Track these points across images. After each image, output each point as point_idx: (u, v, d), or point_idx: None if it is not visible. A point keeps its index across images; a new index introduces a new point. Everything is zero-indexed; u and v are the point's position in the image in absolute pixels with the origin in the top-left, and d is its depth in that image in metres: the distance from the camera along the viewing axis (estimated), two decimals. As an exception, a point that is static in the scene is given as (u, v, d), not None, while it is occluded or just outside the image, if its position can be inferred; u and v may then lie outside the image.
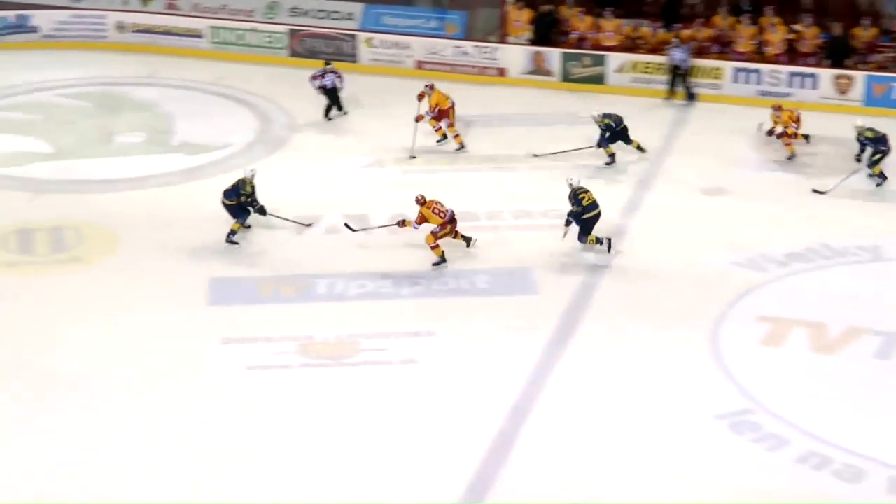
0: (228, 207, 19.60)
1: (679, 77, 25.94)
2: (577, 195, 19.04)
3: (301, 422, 15.11)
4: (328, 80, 24.79)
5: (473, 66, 27.65)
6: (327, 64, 25.21)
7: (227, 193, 19.61)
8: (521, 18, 27.75)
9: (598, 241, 19.11)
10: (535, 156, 22.56)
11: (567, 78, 27.13)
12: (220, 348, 16.66)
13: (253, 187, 19.64)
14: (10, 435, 14.73)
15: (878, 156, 21.51)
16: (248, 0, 29.89)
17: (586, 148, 22.58)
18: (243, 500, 13.75)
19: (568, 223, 19.07)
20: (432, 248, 18.91)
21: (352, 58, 28.23)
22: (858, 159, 22.05)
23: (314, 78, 24.89)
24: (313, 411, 15.34)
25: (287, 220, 19.95)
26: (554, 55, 27.20)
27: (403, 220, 19.17)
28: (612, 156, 22.57)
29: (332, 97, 24.95)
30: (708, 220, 20.52)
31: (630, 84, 26.63)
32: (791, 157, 22.75)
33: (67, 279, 18.47)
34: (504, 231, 20.16)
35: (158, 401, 15.46)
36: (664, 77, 26.18)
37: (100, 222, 19.84)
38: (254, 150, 23.54)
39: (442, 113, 23.07)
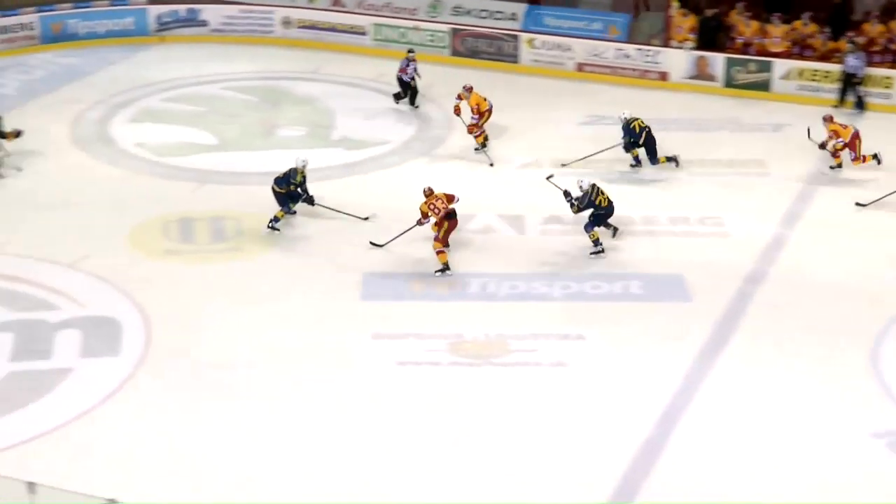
0: (277, 194, 19.90)
1: (852, 85, 25.34)
2: (591, 198, 19.09)
3: (448, 419, 15.17)
4: (411, 70, 25.21)
5: (635, 70, 27.41)
6: (410, 52, 25.55)
7: (278, 181, 19.95)
8: (683, 25, 27.41)
9: (597, 242, 19.15)
10: (563, 165, 22.18)
11: (731, 83, 26.70)
12: (371, 343, 16.83)
13: (304, 177, 19.99)
14: (167, 419, 15.11)
15: None
16: (413, -2, 30.18)
17: (609, 148, 22.28)
18: (388, 494, 13.87)
19: (568, 199, 19.16)
20: (437, 253, 18.73)
21: (513, 58, 28.25)
22: None
23: (402, 71, 25.29)
24: (461, 409, 15.39)
25: (339, 211, 20.13)
26: (718, 60, 26.81)
27: (420, 220, 19.05)
28: (636, 159, 22.31)
29: (408, 87, 25.36)
30: (871, 233, 19.98)
31: (796, 91, 26.09)
32: (834, 168, 22.15)
33: (225, 269, 18.87)
34: (659, 237, 19.95)
35: (309, 392, 15.70)
36: (833, 85, 25.59)
37: (259, 214, 20.20)
38: (411, 148, 23.72)
39: (481, 114, 23.02)
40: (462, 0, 29.91)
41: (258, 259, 19.17)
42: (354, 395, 15.63)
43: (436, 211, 18.76)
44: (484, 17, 29.60)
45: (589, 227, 19.33)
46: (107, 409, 15.33)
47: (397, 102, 25.49)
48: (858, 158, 21.83)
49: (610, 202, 19.30)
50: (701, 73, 26.97)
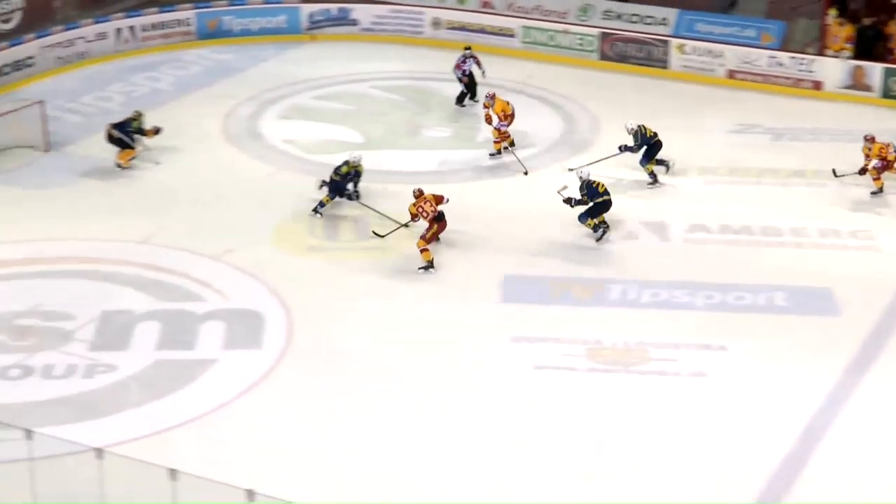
0: (332, 181, 20.48)
1: None
2: (591, 185, 19.41)
3: (583, 425, 15.10)
4: (467, 67, 25.31)
5: (788, 78, 26.90)
6: (467, 49, 25.66)
7: (335, 169, 20.59)
8: (840, 33, 26.82)
9: (596, 227, 19.42)
10: (570, 170, 21.78)
11: (888, 94, 26.04)
12: (509, 345, 16.83)
13: (354, 171, 20.50)
14: (305, 414, 15.32)
15: None
16: (562, 1, 30.03)
17: (613, 156, 22.00)
18: (519, 496, 13.85)
19: (570, 202, 19.46)
20: (421, 251, 18.79)
21: (662, 63, 27.97)
22: None
23: (457, 67, 25.45)
24: (596, 416, 15.30)
25: (380, 213, 20.22)
26: (875, 70, 26.17)
27: (407, 223, 19.29)
28: (652, 174, 21.89)
29: (469, 84, 25.28)
30: None
31: (959, 104, 25.39)
32: (876, 193, 21.28)
33: (368, 266, 19.05)
34: (808, 248, 19.57)
35: (446, 393, 15.78)
36: None
37: (402, 213, 20.34)
38: (557, 151, 23.64)
39: (507, 118, 22.87)
40: (612, 4, 29.71)
41: (400, 258, 19.30)
42: (490, 398, 15.65)
43: (424, 213, 18.97)
44: (634, 22, 29.34)
45: (584, 217, 19.55)
46: (247, 400, 15.62)
47: (462, 105, 25.38)
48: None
49: (606, 189, 19.60)
50: (857, 83, 26.35)
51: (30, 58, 26.72)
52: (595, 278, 18.57)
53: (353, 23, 30.39)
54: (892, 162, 21.24)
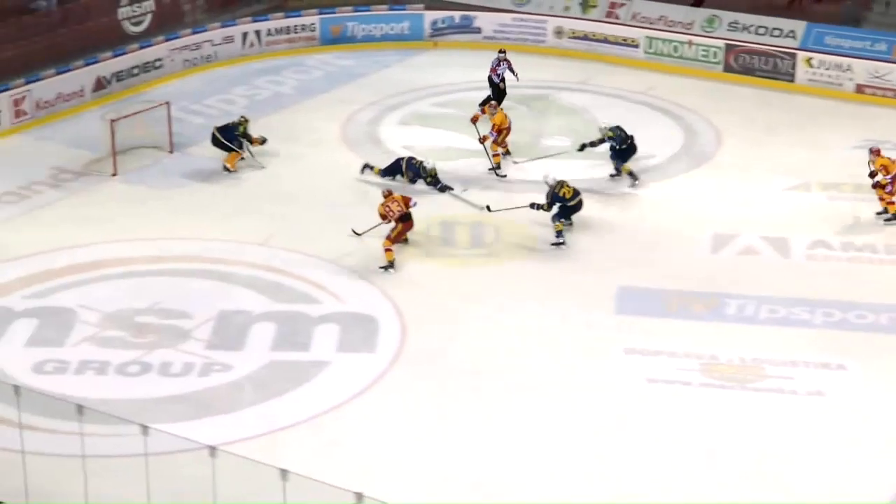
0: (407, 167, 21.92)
1: None
2: (556, 191, 19.88)
3: (695, 441, 14.94)
4: (501, 71, 25.60)
5: (920, 93, 26.39)
6: (501, 52, 25.91)
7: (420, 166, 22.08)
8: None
9: (559, 234, 19.86)
10: (515, 162, 22.53)
11: None
12: (622, 358, 16.73)
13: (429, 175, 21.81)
14: (414, 419, 15.41)
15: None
16: (688, 12, 29.77)
17: (560, 154, 22.69)
18: (629, 511, 13.77)
19: (535, 206, 19.92)
20: (385, 250, 19.00)
21: (788, 77, 27.57)
22: None
23: (493, 71, 25.72)
24: (709, 432, 15.12)
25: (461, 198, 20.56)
26: None
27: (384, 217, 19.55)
28: (631, 174, 22.08)
29: (500, 90, 25.64)
30: None
31: None
32: (881, 213, 20.69)
33: (483, 274, 19.08)
34: (934, 268, 19.17)
35: (556, 402, 15.74)
36: None
37: (519, 222, 20.35)
38: (676, 163, 23.44)
39: (500, 132, 22.73)
40: (739, 15, 29.35)
41: (515, 266, 19.31)
42: (602, 409, 15.57)
43: (391, 213, 19.23)
44: (761, 34, 28.95)
45: (555, 218, 19.93)
46: (358, 403, 15.74)
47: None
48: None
49: (575, 193, 19.98)
50: None
51: (158, 60, 27.31)
52: (712, 293, 18.37)
53: (476, 30, 30.49)
54: None
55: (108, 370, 16.39)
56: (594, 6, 30.64)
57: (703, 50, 28.58)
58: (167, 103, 23.75)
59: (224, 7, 30.42)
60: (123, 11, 28.13)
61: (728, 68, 28.30)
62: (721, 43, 28.46)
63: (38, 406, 14.38)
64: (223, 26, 28.57)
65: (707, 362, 16.54)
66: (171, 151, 23.55)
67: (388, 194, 19.63)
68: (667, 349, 16.84)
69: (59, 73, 25.54)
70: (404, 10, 30.67)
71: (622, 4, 30.33)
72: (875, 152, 20.98)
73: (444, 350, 16.88)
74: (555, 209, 19.90)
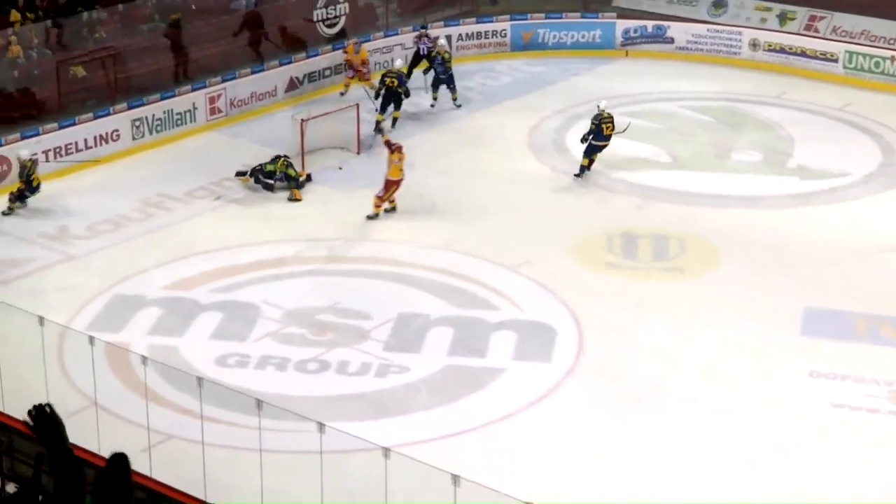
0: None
1: None
2: (602, 122, 22.11)
3: (881, 470, 14.53)
4: (423, 46, 26.75)
5: None
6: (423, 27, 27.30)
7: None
8: None
9: (583, 168, 22.23)
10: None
11: None
12: (806, 380, 16.37)
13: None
14: (588, 431, 15.37)
15: None
16: (892, 26, 28.89)
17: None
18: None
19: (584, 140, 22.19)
20: (375, 205, 20.80)
21: None
22: None
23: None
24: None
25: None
26: None
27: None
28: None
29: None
30: None
31: None
32: None
33: (665, 288, 18.89)
34: None
35: (738, 423, 15.49)
36: None
37: (704, 236, 20.10)
38: (872, 182, 22.81)
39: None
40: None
41: (700, 281, 19.07)
42: (784, 432, 15.27)
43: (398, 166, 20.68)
44: (969, 51, 27.97)
45: (586, 154, 22.30)
46: (532, 413, 15.75)
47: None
48: None
49: (610, 135, 22.32)
50: None
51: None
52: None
53: (669, 41, 30.20)
54: None
55: (288, 366, 16.76)
56: (792, 19, 30.07)
57: (909, 66, 27.75)
58: (356, 105, 24.17)
59: (416, 11, 30.79)
60: (319, 13, 28.73)
61: (933, 85, 27.43)
62: (930, 58, 27.61)
63: (219, 398, 14.81)
64: (414, 30, 28.93)
65: (896, 389, 16.09)
66: (357, 153, 23.96)
67: (393, 148, 20.80)
68: (853, 374, 16.41)
69: (253, 73, 26.25)
70: (597, 17, 30.58)
71: (822, 18, 29.67)
72: None
73: (621, 364, 16.77)
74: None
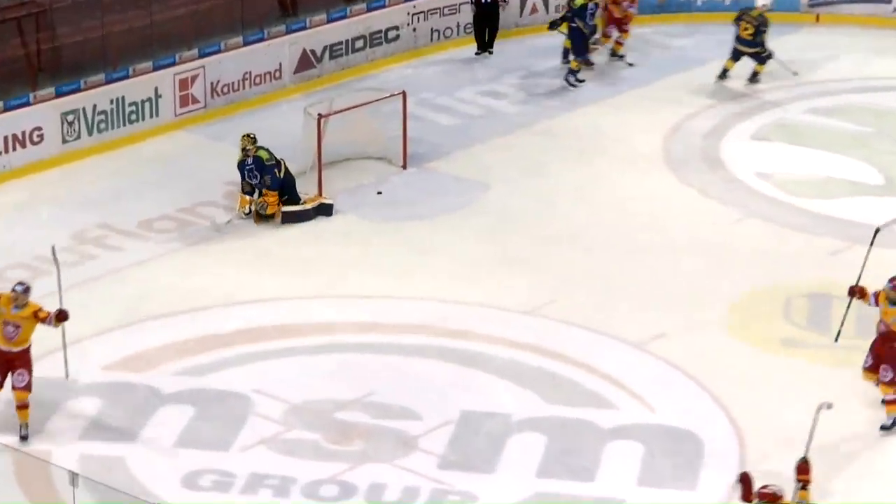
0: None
1: None
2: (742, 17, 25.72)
3: None
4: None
5: None
6: None
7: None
8: None
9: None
10: None
11: None
12: None
13: None
14: None
15: None
16: None
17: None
18: None
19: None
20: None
21: None
22: None
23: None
24: None
25: None
26: None
27: None
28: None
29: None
30: None
31: None
32: None
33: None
34: None
35: None
36: None
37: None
38: None
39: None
40: None
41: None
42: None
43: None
44: None
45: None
46: (666, 570, 15.72)
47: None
48: None
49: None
50: None
51: (393, 29, 28.10)
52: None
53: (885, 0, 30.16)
54: None
55: (292, 490, 16.68)
56: None
57: None
58: (402, 93, 24.19)
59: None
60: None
61: None
62: None
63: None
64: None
65: None
66: (403, 166, 23.97)
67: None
68: None
69: (247, 44, 26.34)
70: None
71: None
72: None
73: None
74: None
